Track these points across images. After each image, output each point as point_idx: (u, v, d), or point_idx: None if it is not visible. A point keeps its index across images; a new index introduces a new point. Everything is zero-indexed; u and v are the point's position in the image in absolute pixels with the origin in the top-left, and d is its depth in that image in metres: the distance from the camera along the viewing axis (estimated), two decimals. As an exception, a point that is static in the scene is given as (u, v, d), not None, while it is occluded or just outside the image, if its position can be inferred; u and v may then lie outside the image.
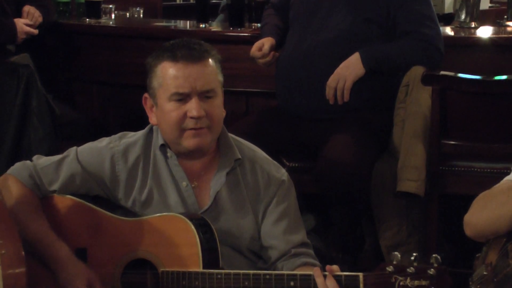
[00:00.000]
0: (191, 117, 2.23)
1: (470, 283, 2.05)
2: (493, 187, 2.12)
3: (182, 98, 2.24)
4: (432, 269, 1.94)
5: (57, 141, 3.76)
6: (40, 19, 4.04)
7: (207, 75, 2.26)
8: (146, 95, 2.35)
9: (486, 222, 2.05)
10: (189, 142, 2.27)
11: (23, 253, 2.06)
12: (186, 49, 2.26)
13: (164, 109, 2.27)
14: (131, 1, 5.04)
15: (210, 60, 2.28)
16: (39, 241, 2.25)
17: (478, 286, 2.02)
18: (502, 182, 2.13)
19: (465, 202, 2.18)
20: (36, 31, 4.01)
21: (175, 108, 2.25)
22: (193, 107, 2.23)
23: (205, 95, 2.25)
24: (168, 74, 2.25)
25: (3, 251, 2.00)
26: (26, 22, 3.97)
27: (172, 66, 2.25)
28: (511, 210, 2.00)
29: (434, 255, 1.95)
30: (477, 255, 2.13)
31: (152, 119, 2.34)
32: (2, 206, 2.12)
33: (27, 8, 4.01)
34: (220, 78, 2.31)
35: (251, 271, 2.12)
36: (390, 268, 1.96)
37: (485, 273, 2.02)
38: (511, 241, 2.02)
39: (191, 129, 2.25)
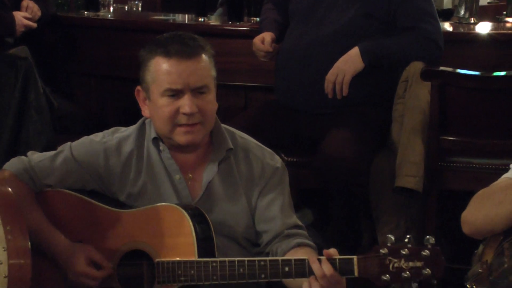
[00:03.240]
0: (184, 113, 2.23)
1: (465, 280, 2.05)
2: (491, 185, 2.12)
3: (175, 94, 2.24)
4: (426, 250, 1.95)
5: (55, 134, 3.75)
6: (39, 13, 4.03)
7: (201, 71, 2.25)
8: (139, 87, 2.34)
9: (483, 220, 2.06)
10: (180, 138, 2.27)
11: (29, 243, 2.07)
12: (180, 45, 2.24)
13: (157, 104, 2.26)
14: (130, -6, 5.03)
15: (203, 55, 2.26)
16: (34, 232, 2.24)
17: (473, 284, 2.03)
18: (500, 179, 2.13)
19: (464, 198, 2.18)
20: (35, 25, 4.00)
21: (167, 104, 2.24)
22: (186, 103, 2.23)
23: (198, 91, 2.24)
24: (161, 69, 2.24)
25: (9, 237, 2.02)
26: (25, 15, 3.96)
27: (165, 61, 2.24)
28: (508, 209, 2.01)
29: (427, 237, 1.96)
30: (475, 252, 2.13)
31: (145, 111, 2.34)
32: (10, 196, 2.14)
33: (25, 3, 4.00)
34: (213, 73, 2.30)
35: (246, 258, 2.12)
36: (384, 250, 1.97)
37: (480, 270, 2.02)
38: (508, 240, 2.02)
39: (183, 125, 2.25)
